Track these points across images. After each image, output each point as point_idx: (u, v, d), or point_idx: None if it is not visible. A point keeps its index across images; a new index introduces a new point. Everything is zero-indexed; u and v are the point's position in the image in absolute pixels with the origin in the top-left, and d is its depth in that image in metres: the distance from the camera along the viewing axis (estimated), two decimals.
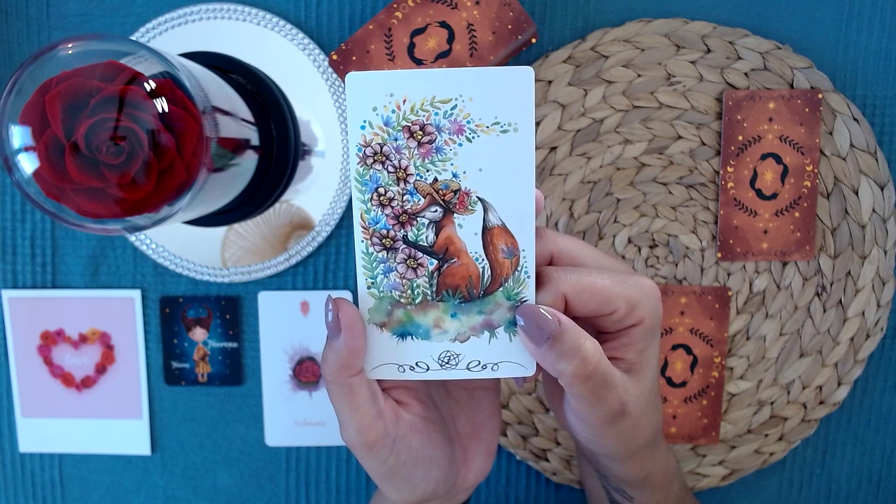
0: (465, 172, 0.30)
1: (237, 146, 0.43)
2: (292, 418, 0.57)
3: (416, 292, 0.32)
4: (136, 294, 0.56)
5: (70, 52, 0.35)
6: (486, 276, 0.31)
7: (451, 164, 0.30)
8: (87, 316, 0.56)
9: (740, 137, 0.52)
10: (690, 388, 0.55)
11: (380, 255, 0.31)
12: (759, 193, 0.52)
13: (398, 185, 0.31)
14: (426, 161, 0.30)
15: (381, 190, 0.31)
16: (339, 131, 0.53)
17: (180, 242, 0.54)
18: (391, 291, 0.32)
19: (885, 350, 0.55)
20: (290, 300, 0.55)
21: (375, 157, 0.30)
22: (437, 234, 0.31)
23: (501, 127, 0.30)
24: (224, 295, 0.56)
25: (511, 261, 0.31)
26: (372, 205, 0.31)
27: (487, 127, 0.30)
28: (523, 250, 0.31)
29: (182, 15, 0.52)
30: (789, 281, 0.54)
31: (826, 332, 0.54)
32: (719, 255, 0.53)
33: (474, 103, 0.30)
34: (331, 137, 0.53)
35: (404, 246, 0.31)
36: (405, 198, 0.31)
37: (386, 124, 0.30)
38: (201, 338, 0.56)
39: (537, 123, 0.52)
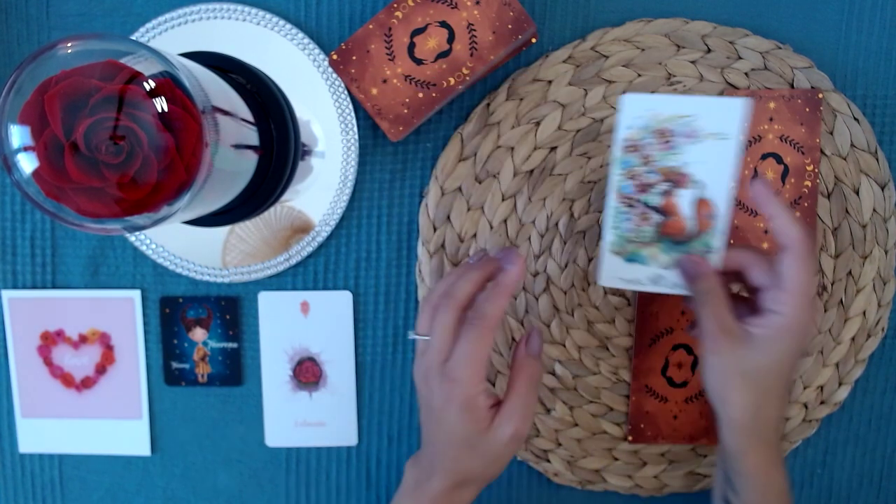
0: (688, 162, 0.44)
1: (237, 146, 0.43)
2: (292, 419, 0.57)
3: (643, 235, 0.46)
4: (135, 294, 0.56)
5: (69, 51, 0.35)
6: (691, 230, 0.45)
7: (682, 156, 0.44)
8: (87, 316, 0.56)
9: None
10: (691, 388, 0.55)
11: (624, 209, 0.46)
12: None
13: (643, 166, 0.45)
14: (665, 153, 0.44)
15: (632, 169, 0.45)
16: (339, 132, 0.53)
17: (180, 242, 0.54)
18: (627, 232, 0.46)
19: (885, 350, 0.55)
20: (290, 300, 0.55)
21: (632, 148, 0.45)
22: (664, 199, 0.45)
23: (718, 136, 0.43)
24: (224, 295, 0.56)
25: (710, 222, 0.44)
26: (624, 177, 0.45)
27: (709, 135, 0.43)
28: (719, 217, 0.44)
29: (182, 15, 0.52)
30: None
31: (827, 331, 0.54)
32: None
33: (702, 119, 0.43)
34: (331, 138, 0.53)
35: (641, 205, 0.45)
36: (646, 175, 0.45)
37: (644, 128, 0.44)
38: (201, 338, 0.56)
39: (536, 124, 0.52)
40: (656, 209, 0.45)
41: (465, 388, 0.43)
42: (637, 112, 0.44)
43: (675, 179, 0.44)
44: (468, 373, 0.43)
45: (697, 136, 0.44)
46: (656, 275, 0.46)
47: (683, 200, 0.45)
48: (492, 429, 0.44)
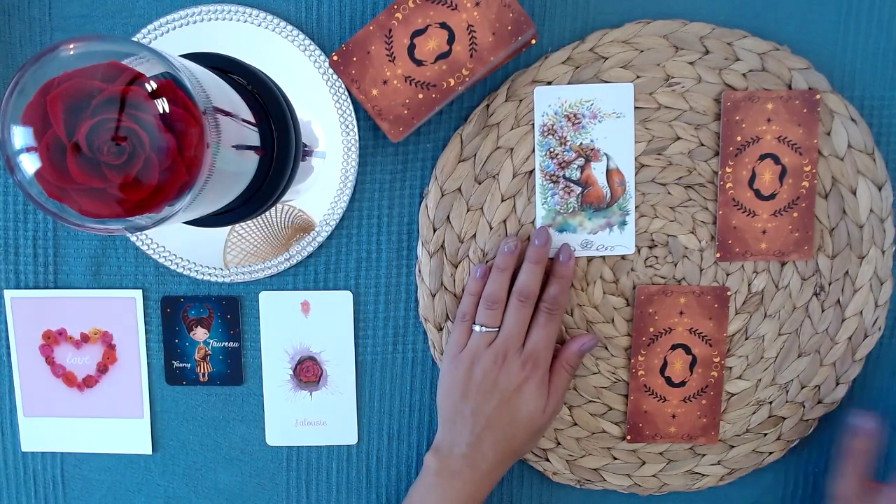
0: (597, 139, 0.52)
1: (238, 146, 0.43)
2: (293, 418, 0.57)
3: (569, 206, 0.53)
4: (137, 294, 0.56)
5: (72, 52, 0.35)
6: (608, 196, 0.52)
7: (590, 134, 0.52)
8: (89, 316, 0.56)
9: (739, 138, 0.52)
10: (689, 388, 0.55)
11: (549, 185, 0.52)
12: (758, 194, 0.52)
13: (561, 146, 0.52)
14: (576, 133, 0.52)
15: (552, 150, 0.52)
16: (340, 132, 0.53)
17: (181, 242, 0.54)
18: (555, 206, 0.53)
19: (882, 349, 0.56)
20: (290, 300, 0.56)
21: (549, 132, 0.52)
22: (581, 173, 0.52)
23: (616, 115, 0.52)
24: (225, 295, 0.56)
25: (621, 188, 0.52)
26: (546, 158, 0.52)
27: (609, 114, 0.52)
28: (627, 182, 0.52)
29: (183, 16, 0.52)
30: (788, 281, 0.54)
31: (824, 331, 0.54)
32: (718, 255, 0.53)
33: (602, 101, 0.51)
34: (331, 138, 0.53)
35: (563, 180, 0.52)
36: (564, 154, 0.52)
37: (556, 114, 0.52)
38: (202, 337, 0.56)
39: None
40: (577, 182, 0.52)
41: (543, 367, 0.51)
42: (548, 101, 0.52)
43: (588, 154, 0.52)
44: (546, 354, 0.51)
45: (599, 115, 0.51)
46: (585, 240, 0.53)
47: (598, 172, 0.52)
48: (547, 406, 0.51)
